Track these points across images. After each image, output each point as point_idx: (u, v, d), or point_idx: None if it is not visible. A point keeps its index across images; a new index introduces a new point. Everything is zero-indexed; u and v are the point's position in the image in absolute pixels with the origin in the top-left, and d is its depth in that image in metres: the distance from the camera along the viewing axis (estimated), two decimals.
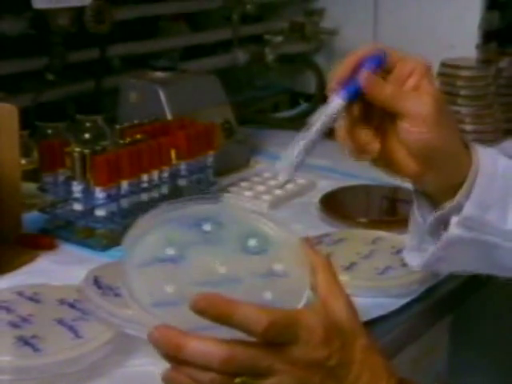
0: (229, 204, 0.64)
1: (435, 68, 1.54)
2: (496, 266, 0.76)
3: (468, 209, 0.69)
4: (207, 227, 0.61)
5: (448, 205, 0.70)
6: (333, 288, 0.58)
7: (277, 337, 0.52)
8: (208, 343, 0.52)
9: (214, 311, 0.52)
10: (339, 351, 0.54)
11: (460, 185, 0.69)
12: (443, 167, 0.68)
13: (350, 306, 0.57)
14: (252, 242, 0.61)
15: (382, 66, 0.67)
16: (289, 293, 0.58)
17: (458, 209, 0.69)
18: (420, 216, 0.74)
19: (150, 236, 0.59)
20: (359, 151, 0.68)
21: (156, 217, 0.61)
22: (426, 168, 0.68)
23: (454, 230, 0.70)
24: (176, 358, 0.53)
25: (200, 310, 0.52)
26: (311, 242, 0.61)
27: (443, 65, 1.53)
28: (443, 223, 0.71)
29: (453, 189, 0.69)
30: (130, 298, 0.56)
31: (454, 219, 0.69)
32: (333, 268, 0.59)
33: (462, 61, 1.55)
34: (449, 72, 1.50)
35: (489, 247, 0.72)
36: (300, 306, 0.57)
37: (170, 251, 0.59)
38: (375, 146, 0.67)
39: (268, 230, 0.62)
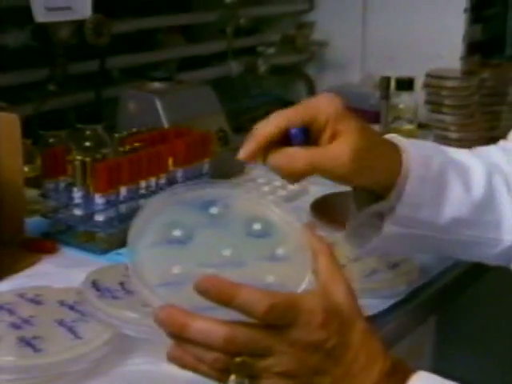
0: (235, 188, 0.62)
1: (421, 78, 1.56)
2: (434, 252, 0.79)
3: (400, 210, 0.69)
4: (214, 210, 0.60)
5: (381, 204, 0.70)
6: (333, 273, 0.57)
7: (277, 319, 0.52)
8: (211, 323, 0.52)
9: (216, 293, 0.52)
10: (337, 334, 0.54)
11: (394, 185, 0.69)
12: (373, 178, 0.68)
13: (350, 291, 0.57)
14: (257, 226, 0.60)
15: (308, 134, 0.64)
16: (290, 276, 0.57)
17: (391, 208, 0.69)
18: (356, 207, 0.73)
19: (159, 218, 0.59)
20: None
21: (164, 199, 0.60)
22: (356, 180, 0.67)
23: (389, 227, 0.70)
24: (180, 337, 0.53)
25: (203, 291, 0.52)
26: (314, 228, 0.61)
27: (429, 75, 1.54)
28: (379, 215, 0.72)
29: (388, 188, 0.69)
30: (137, 278, 0.55)
31: (388, 218, 0.70)
32: (334, 254, 0.59)
33: (446, 72, 1.55)
34: (434, 82, 1.50)
35: (425, 239, 0.73)
36: (301, 289, 0.56)
37: (178, 233, 0.58)
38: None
39: (272, 215, 0.61)
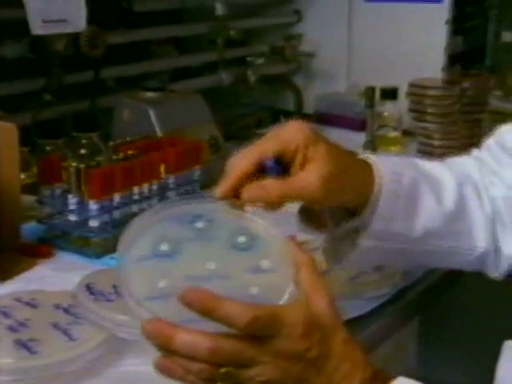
0: (220, 202, 0.62)
1: (405, 88, 1.56)
2: (410, 263, 0.79)
3: (374, 225, 0.69)
4: (200, 224, 0.60)
5: (356, 220, 0.70)
6: (315, 284, 0.57)
7: (259, 331, 0.53)
8: (195, 336, 0.52)
9: (199, 305, 0.52)
10: (319, 344, 0.54)
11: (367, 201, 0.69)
12: (345, 198, 0.67)
13: (332, 302, 0.57)
14: (241, 239, 0.60)
15: (280, 167, 0.63)
16: (274, 288, 0.57)
17: (366, 224, 0.69)
18: (332, 222, 0.73)
19: (146, 233, 0.59)
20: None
21: (152, 215, 0.60)
22: (328, 202, 0.67)
23: (365, 241, 0.70)
24: (167, 349, 0.53)
25: (187, 303, 0.52)
26: (296, 241, 0.61)
27: (412, 85, 1.54)
28: (354, 230, 0.71)
29: (361, 205, 0.69)
30: (126, 291, 0.55)
31: (364, 232, 0.70)
32: (316, 265, 0.59)
33: (429, 81, 1.56)
34: (417, 91, 1.51)
35: (400, 251, 0.73)
36: (283, 300, 0.56)
37: (165, 247, 0.58)
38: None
39: (257, 227, 0.61)
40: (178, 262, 0.58)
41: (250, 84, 1.57)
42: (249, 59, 1.61)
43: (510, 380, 0.68)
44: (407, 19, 1.63)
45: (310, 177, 0.62)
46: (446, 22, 1.61)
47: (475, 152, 0.85)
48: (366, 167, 0.69)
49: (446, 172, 0.77)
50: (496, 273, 0.80)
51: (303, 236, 0.99)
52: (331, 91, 1.72)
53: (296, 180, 0.63)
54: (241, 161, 0.61)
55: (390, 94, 1.49)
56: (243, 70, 1.57)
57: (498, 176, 0.80)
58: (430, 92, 1.49)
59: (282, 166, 0.63)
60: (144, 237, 0.59)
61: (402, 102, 1.52)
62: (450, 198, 0.74)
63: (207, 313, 0.52)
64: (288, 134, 0.63)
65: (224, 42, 1.53)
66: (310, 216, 1.05)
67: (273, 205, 0.63)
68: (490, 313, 1.12)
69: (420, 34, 1.63)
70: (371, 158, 0.71)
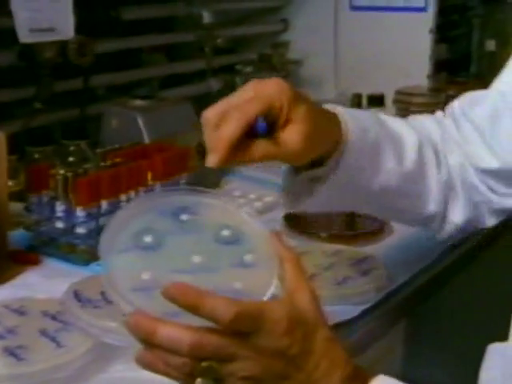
0: (206, 195, 0.61)
1: (391, 95, 1.57)
2: (359, 210, 0.84)
3: (336, 176, 0.71)
4: (184, 217, 0.59)
5: (318, 170, 0.71)
6: (299, 280, 0.57)
7: (242, 327, 0.52)
8: (178, 330, 0.52)
9: (182, 300, 0.52)
10: (301, 341, 0.54)
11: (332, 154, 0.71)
12: (318, 152, 0.69)
13: (314, 299, 0.57)
14: (226, 233, 0.59)
15: (269, 125, 0.63)
16: (257, 283, 0.57)
17: (328, 174, 0.71)
18: (293, 171, 0.74)
19: (130, 224, 0.58)
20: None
21: (136, 206, 0.59)
22: (305, 159, 0.68)
23: (324, 189, 0.72)
24: (149, 343, 0.53)
25: (170, 298, 0.52)
26: (280, 236, 0.60)
27: (398, 92, 1.55)
28: (314, 179, 0.73)
29: (326, 156, 0.71)
30: (109, 283, 0.54)
31: (324, 182, 0.72)
32: (300, 262, 0.58)
33: (415, 89, 1.57)
34: (403, 99, 1.52)
35: (354, 201, 0.77)
36: (267, 296, 0.56)
37: (148, 239, 0.57)
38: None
39: (242, 221, 0.60)
40: (161, 254, 0.57)
41: None
42: (237, 67, 1.61)
43: (493, 383, 0.68)
44: (392, 27, 1.64)
45: (293, 137, 0.63)
46: (430, 31, 1.62)
47: (440, 115, 0.87)
48: (337, 122, 0.70)
49: (408, 131, 0.79)
50: (439, 234, 0.85)
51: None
52: (319, 98, 1.72)
53: (281, 141, 0.64)
54: (229, 127, 0.60)
55: (377, 100, 1.50)
56: (232, 78, 1.57)
57: (457, 145, 0.83)
58: (416, 99, 1.50)
59: (267, 124, 0.63)
60: (127, 229, 0.57)
61: (389, 109, 1.53)
62: (409, 159, 0.77)
63: (190, 308, 0.51)
64: (272, 95, 0.62)
65: (212, 50, 1.54)
66: (295, 222, 1.05)
67: (256, 162, 0.64)
68: (475, 316, 1.13)
69: (405, 42, 1.64)
70: (340, 112, 0.72)
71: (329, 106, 0.72)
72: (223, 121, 0.60)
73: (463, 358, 0.82)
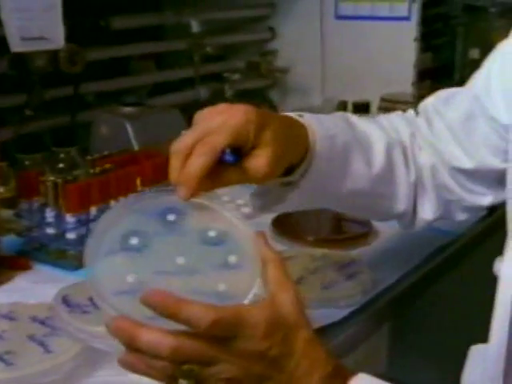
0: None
1: (376, 102, 1.57)
2: (329, 207, 0.83)
3: (306, 183, 0.71)
4: (171, 218, 0.59)
5: (287, 178, 0.71)
6: (281, 281, 0.57)
7: (221, 332, 0.52)
8: (158, 335, 0.52)
9: (161, 307, 0.52)
10: (280, 343, 0.54)
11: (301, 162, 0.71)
12: (287, 165, 0.69)
13: (297, 300, 0.57)
14: (211, 234, 0.59)
15: (236, 153, 0.63)
16: (241, 285, 0.56)
17: (298, 181, 0.71)
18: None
19: (117, 226, 0.57)
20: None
21: (123, 207, 0.59)
22: (274, 176, 0.68)
23: (294, 195, 0.72)
24: (131, 347, 0.53)
25: (148, 305, 0.52)
26: (265, 237, 0.60)
27: (383, 99, 1.56)
28: (284, 183, 0.73)
29: (295, 164, 0.71)
30: (93, 287, 0.54)
31: (294, 188, 0.72)
32: (283, 263, 0.58)
33: (399, 96, 1.58)
34: (388, 106, 1.52)
35: (323, 203, 0.78)
36: (249, 298, 0.55)
37: (134, 241, 0.56)
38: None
39: (227, 222, 0.60)
40: (147, 256, 0.56)
41: (227, 99, 1.57)
42: (225, 75, 1.61)
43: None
44: (377, 36, 1.65)
45: (260, 162, 0.63)
46: (415, 40, 1.63)
47: (411, 114, 0.86)
48: (304, 133, 0.70)
49: (378, 134, 0.79)
50: (409, 229, 0.86)
51: (276, 247, 1.00)
52: (306, 105, 1.72)
53: (249, 167, 0.63)
54: (198, 160, 0.59)
55: (363, 108, 1.51)
56: (220, 85, 1.58)
57: (429, 143, 0.83)
58: (400, 107, 1.48)
59: (235, 153, 0.63)
60: (114, 230, 0.57)
61: (374, 116, 1.53)
62: (378, 162, 0.77)
63: (169, 315, 0.52)
64: (238, 125, 0.62)
65: (201, 58, 1.54)
66: (283, 227, 1.05)
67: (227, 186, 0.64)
68: (459, 318, 1.13)
69: (390, 51, 1.65)
70: (307, 121, 0.72)
71: (296, 116, 0.72)
72: (192, 154, 0.60)
73: (448, 360, 0.82)
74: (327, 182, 0.73)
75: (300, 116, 0.73)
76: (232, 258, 0.58)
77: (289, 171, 0.70)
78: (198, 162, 0.59)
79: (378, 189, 0.78)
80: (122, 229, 0.57)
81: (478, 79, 0.79)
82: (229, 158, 0.62)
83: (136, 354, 0.53)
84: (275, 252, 0.59)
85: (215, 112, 0.63)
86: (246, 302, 0.55)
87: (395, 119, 0.85)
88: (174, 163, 0.60)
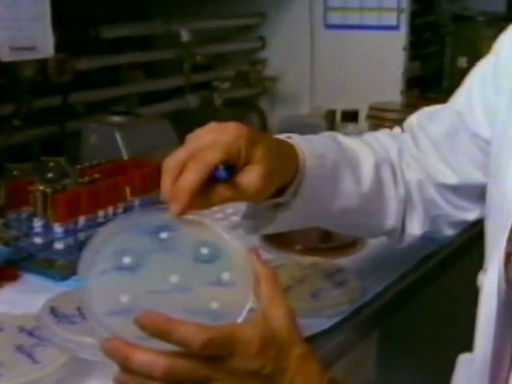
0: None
1: (365, 110, 1.58)
2: (320, 226, 0.83)
3: (295, 204, 0.71)
4: (164, 235, 0.59)
5: (278, 200, 0.71)
6: (275, 298, 0.57)
7: (214, 352, 0.52)
8: (151, 355, 0.52)
9: (153, 328, 0.52)
10: (274, 360, 0.54)
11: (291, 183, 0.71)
12: (277, 185, 0.69)
13: (290, 317, 0.57)
14: (204, 251, 0.59)
15: (227, 172, 0.63)
16: (234, 302, 0.56)
17: (289, 201, 0.72)
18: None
19: (110, 245, 0.57)
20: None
21: (115, 226, 0.59)
22: (265, 195, 0.68)
23: (285, 215, 0.72)
24: (125, 367, 0.53)
25: (141, 327, 0.52)
26: (258, 253, 0.60)
27: (372, 108, 1.56)
28: (274, 205, 0.73)
29: (285, 185, 0.71)
30: (86, 307, 0.54)
31: (285, 209, 0.72)
32: (277, 279, 0.58)
33: (388, 104, 1.58)
34: (376, 114, 1.53)
35: (314, 222, 0.79)
36: (242, 316, 0.55)
37: (127, 260, 0.57)
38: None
39: (219, 239, 0.60)
40: (140, 275, 0.56)
41: (216, 107, 1.58)
42: (215, 83, 1.61)
43: None
44: (366, 45, 1.66)
45: (251, 179, 0.63)
46: (404, 49, 1.64)
47: (397, 131, 0.88)
48: (294, 153, 0.71)
49: (366, 152, 0.80)
50: (398, 245, 0.86)
51: (264, 255, 1.00)
52: (295, 114, 1.73)
53: (240, 184, 0.64)
54: (190, 177, 0.59)
55: (351, 116, 1.51)
56: (209, 94, 1.58)
57: (415, 159, 0.84)
58: (389, 115, 1.51)
59: (227, 169, 0.63)
60: (107, 249, 0.57)
61: (363, 125, 1.54)
62: (367, 180, 0.78)
63: (161, 337, 0.52)
64: (229, 141, 0.62)
65: (190, 67, 1.54)
66: (272, 235, 1.05)
67: (217, 204, 0.64)
68: (446, 327, 1.13)
69: (379, 60, 1.65)
70: (296, 142, 0.72)
71: (285, 137, 0.73)
72: (183, 170, 0.60)
73: (436, 369, 0.82)
74: (318, 200, 0.73)
75: (288, 137, 0.73)
76: (225, 275, 0.58)
77: (279, 193, 0.71)
78: (191, 178, 0.59)
79: (368, 206, 0.79)
80: (115, 247, 0.57)
81: (460, 95, 0.80)
82: (221, 174, 0.62)
83: (130, 375, 0.53)
84: (268, 268, 0.59)
85: (207, 130, 0.64)
86: (239, 319, 0.56)
87: (382, 137, 0.85)
88: (166, 180, 0.60)
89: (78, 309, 0.73)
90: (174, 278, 0.57)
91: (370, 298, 0.89)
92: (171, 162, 0.61)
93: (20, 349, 0.70)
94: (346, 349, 0.85)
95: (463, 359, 0.74)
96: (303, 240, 1.07)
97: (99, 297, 0.55)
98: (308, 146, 0.72)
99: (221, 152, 0.61)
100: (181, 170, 0.60)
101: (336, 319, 0.83)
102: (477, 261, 0.71)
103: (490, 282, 0.63)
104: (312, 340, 0.77)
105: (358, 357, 0.92)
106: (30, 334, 0.73)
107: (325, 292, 0.86)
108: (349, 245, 1.04)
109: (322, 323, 0.81)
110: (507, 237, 0.63)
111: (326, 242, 1.09)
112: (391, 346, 1.00)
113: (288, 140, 0.72)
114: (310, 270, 0.92)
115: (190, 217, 0.60)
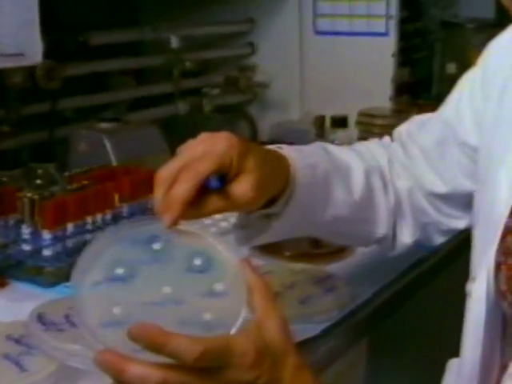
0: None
1: (354, 116, 1.59)
2: (311, 235, 0.84)
3: (287, 213, 0.72)
4: (157, 246, 0.59)
5: (269, 210, 0.72)
6: (268, 309, 0.57)
7: (208, 364, 0.52)
8: (145, 368, 0.52)
9: (146, 341, 0.51)
10: (269, 370, 0.54)
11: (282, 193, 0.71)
12: (269, 195, 0.70)
13: (284, 327, 0.57)
14: (197, 261, 0.59)
15: (219, 182, 0.64)
16: (227, 313, 0.56)
17: (281, 211, 0.72)
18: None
19: (103, 256, 0.57)
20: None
21: (108, 237, 0.59)
22: (257, 204, 0.68)
23: (277, 225, 0.72)
24: (119, 380, 0.53)
25: (134, 339, 0.51)
26: (250, 263, 0.60)
27: (361, 114, 1.57)
28: (267, 214, 0.73)
29: (277, 195, 0.71)
30: (79, 319, 0.54)
31: (277, 218, 0.72)
32: (270, 289, 0.58)
33: (377, 110, 1.59)
34: (366, 120, 1.53)
35: (305, 231, 0.79)
36: (236, 326, 0.55)
37: (120, 271, 0.56)
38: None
39: (212, 249, 0.60)
40: (133, 286, 0.56)
41: (206, 114, 1.57)
42: (204, 90, 1.61)
43: None
44: (356, 51, 1.66)
45: (243, 188, 0.64)
46: (393, 55, 1.65)
47: (387, 140, 0.88)
48: (285, 163, 0.71)
49: (356, 161, 0.81)
50: (390, 254, 0.87)
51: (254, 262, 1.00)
52: (285, 120, 1.73)
53: (232, 193, 0.64)
54: (182, 187, 0.60)
55: (340, 122, 1.52)
56: (199, 101, 1.58)
57: (405, 168, 0.84)
58: (378, 121, 1.52)
59: (219, 179, 0.63)
60: (99, 261, 0.57)
61: (352, 130, 1.54)
62: (358, 188, 0.79)
63: (155, 349, 0.51)
64: (222, 151, 0.63)
65: (180, 73, 1.54)
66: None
67: (209, 215, 0.65)
68: (436, 333, 1.14)
69: (368, 66, 1.66)
70: (287, 152, 0.73)
71: (276, 148, 0.73)
72: (176, 180, 0.60)
73: (425, 374, 0.82)
74: (310, 209, 0.74)
75: (279, 148, 0.74)
76: (218, 286, 0.58)
77: (270, 203, 0.71)
78: (183, 188, 0.60)
79: (359, 214, 0.79)
80: (108, 258, 0.57)
81: (449, 104, 0.81)
82: (213, 184, 0.62)
83: None
84: (261, 278, 0.59)
85: (198, 141, 0.64)
86: (233, 330, 0.55)
87: (372, 146, 0.86)
88: (158, 191, 0.61)
89: (66, 316, 0.73)
90: (166, 289, 0.56)
91: (360, 303, 0.89)
92: (163, 173, 0.61)
93: (7, 357, 0.69)
94: (335, 354, 0.85)
95: (452, 364, 0.74)
96: (293, 246, 1.07)
97: (92, 308, 0.54)
98: (299, 156, 0.73)
99: (213, 162, 0.62)
100: (173, 180, 0.60)
101: (325, 325, 0.83)
102: (466, 267, 0.72)
103: (478, 290, 0.64)
104: (301, 346, 0.77)
105: (347, 363, 0.92)
106: (18, 341, 0.72)
107: (314, 298, 0.86)
108: (338, 251, 1.04)
109: (312, 329, 0.81)
110: (497, 246, 0.64)
111: (315, 248, 1.09)
112: (381, 352, 1.00)
113: (279, 150, 0.73)
114: (300, 276, 0.92)
115: (182, 227, 0.60)
